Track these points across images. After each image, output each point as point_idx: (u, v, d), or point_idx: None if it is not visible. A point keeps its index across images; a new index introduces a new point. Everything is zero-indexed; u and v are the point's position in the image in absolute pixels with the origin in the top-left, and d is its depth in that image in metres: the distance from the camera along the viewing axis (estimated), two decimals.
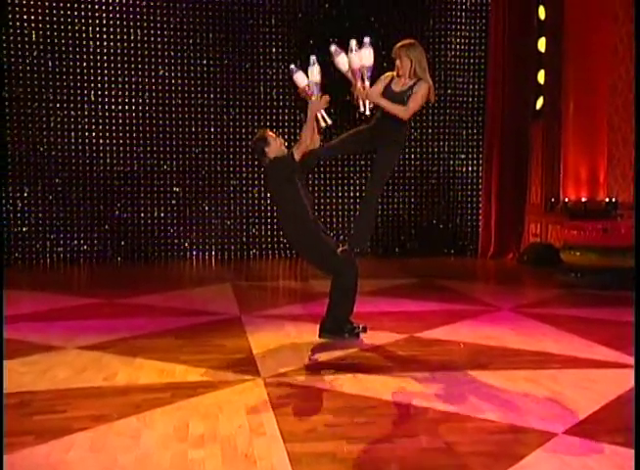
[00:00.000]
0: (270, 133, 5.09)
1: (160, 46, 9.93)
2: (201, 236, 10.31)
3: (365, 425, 3.31)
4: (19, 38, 9.48)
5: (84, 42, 9.68)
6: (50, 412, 3.48)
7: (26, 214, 9.75)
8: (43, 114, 9.65)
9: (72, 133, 9.77)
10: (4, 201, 9.56)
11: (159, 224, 10.16)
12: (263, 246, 10.46)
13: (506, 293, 7.56)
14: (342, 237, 9.95)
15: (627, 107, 9.16)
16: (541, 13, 9.97)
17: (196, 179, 10.17)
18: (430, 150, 10.77)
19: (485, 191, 10.61)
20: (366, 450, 3.00)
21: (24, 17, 9.45)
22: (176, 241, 10.26)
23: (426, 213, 10.87)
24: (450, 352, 4.76)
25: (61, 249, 9.89)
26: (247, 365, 4.37)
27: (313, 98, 4.75)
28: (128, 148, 9.97)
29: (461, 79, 10.69)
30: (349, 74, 4.68)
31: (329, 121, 4.81)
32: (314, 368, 4.34)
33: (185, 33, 9.97)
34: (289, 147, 5.03)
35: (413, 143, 10.55)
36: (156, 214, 10.13)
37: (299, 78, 4.83)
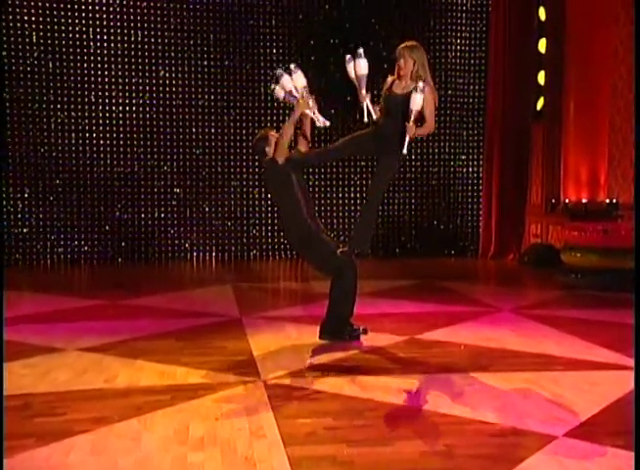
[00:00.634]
0: (272, 133, 5.09)
1: (160, 47, 9.93)
2: (201, 237, 10.30)
3: (365, 428, 3.31)
4: (19, 39, 9.48)
5: (85, 43, 9.68)
6: (50, 415, 3.48)
7: (27, 215, 9.75)
8: (44, 115, 9.65)
9: (73, 134, 9.77)
10: (5, 202, 9.56)
11: (159, 225, 10.16)
12: (264, 247, 10.46)
13: (506, 294, 7.56)
14: (342, 238, 9.96)
15: (628, 107, 9.16)
16: (542, 14, 9.97)
17: (196, 180, 10.17)
18: (430, 151, 10.77)
19: (486, 192, 10.61)
20: (366, 453, 3.00)
21: (25, 18, 9.46)
22: (177, 242, 10.26)
23: (426, 214, 10.87)
24: (451, 354, 4.76)
25: (61, 249, 9.89)
26: (247, 367, 4.38)
27: (300, 100, 4.74)
28: (129, 149, 9.97)
29: (461, 80, 10.69)
30: (356, 81, 4.76)
31: (326, 123, 4.81)
32: (314, 370, 4.34)
33: (185, 34, 9.97)
34: (291, 147, 5.04)
35: (413, 144, 10.54)
36: (156, 215, 10.14)
37: (285, 82, 4.80)
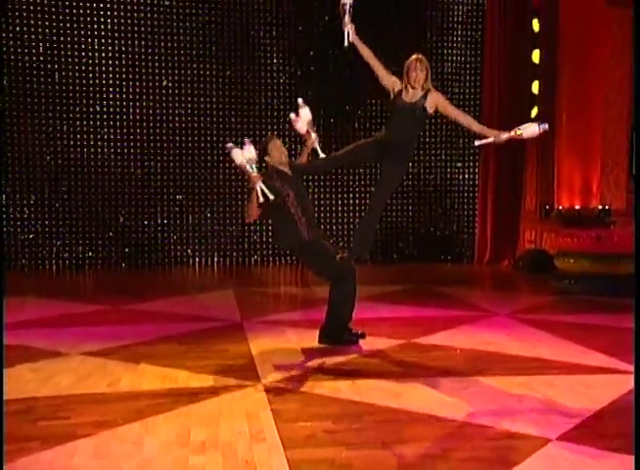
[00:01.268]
0: (274, 143, 5.06)
1: (163, 57, 9.95)
2: (203, 243, 10.30)
3: (363, 431, 3.30)
4: (26, 51, 9.50)
5: (90, 54, 9.71)
6: (54, 418, 3.46)
7: (33, 221, 9.75)
8: (50, 123, 9.67)
9: (78, 142, 9.79)
10: (11, 208, 9.57)
11: (162, 231, 10.16)
12: (264, 252, 10.45)
13: (502, 299, 7.55)
14: (342, 244, 9.95)
15: (621, 117, 9.19)
16: (535, 25, 9.99)
17: (198, 187, 10.17)
18: (427, 158, 10.77)
19: (481, 199, 10.62)
20: (364, 456, 2.98)
21: (32, 30, 9.48)
22: (179, 248, 10.25)
23: (423, 221, 10.87)
24: (448, 358, 4.74)
25: (66, 255, 9.89)
26: (248, 371, 4.36)
27: (252, 175, 4.70)
28: (132, 156, 9.98)
29: (458, 89, 10.70)
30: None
31: (270, 196, 4.72)
32: (314, 374, 4.33)
33: (188, 45, 9.99)
34: (291, 157, 5.06)
35: (412, 154, 10.53)
36: (159, 222, 10.13)
37: (236, 156, 4.75)
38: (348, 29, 4.71)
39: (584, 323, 5.99)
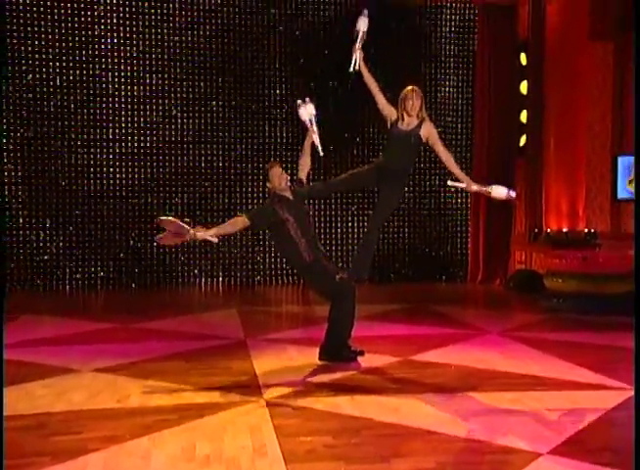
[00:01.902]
0: (275, 170, 5.07)
1: (173, 88, 10.03)
2: (209, 264, 10.29)
3: (362, 445, 3.27)
4: (44, 82, 9.59)
5: (104, 86, 9.79)
6: (66, 433, 3.44)
7: (48, 244, 9.76)
8: (65, 151, 9.73)
9: (91, 169, 9.83)
10: (28, 232, 9.62)
11: (170, 253, 10.15)
12: (267, 273, 10.44)
13: (494, 317, 7.51)
14: (342, 264, 9.95)
15: (604, 146, 9.24)
16: (523, 59, 10.10)
17: (205, 211, 10.18)
18: (422, 183, 10.80)
19: (474, 221, 10.63)
20: None
21: (50, 57, 9.56)
22: (186, 268, 10.24)
23: (419, 242, 10.86)
24: (442, 375, 4.72)
25: (79, 276, 9.88)
26: (251, 387, 4.34)
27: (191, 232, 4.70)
28: (142, 182, 10.01)
29: (450, 119, 10.77)
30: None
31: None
32: (314, 390, 4.30)
33: (197, 76, 10.08)
34: (292, 181, 5.09)
35: (408, 178, 10.57)
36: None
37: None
38: (357, 56, 4.75)
39: (572, 341, 5.96)
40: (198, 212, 10.17)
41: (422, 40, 10.61)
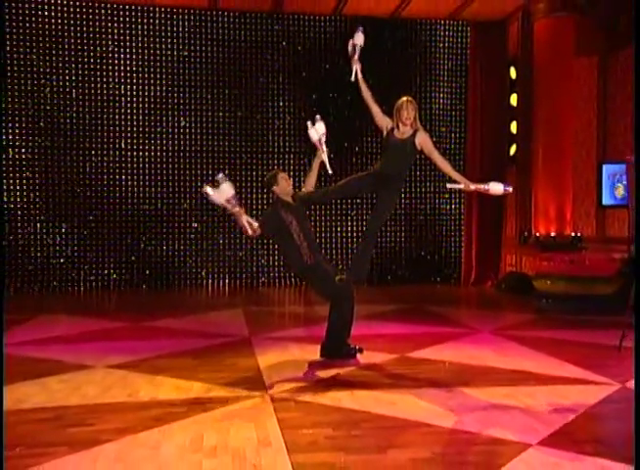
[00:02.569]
0: (282, 175, 5.11)
1: (182, 101, 10.06)
2: (216, 266, 10.30)
3: (361, 437, 3.27)
4: (61, 95, 9.63)
5: (117, 98, 9.84)
6: (81, 425, 3.45)
7: (64, 247, 9.78)
8: (80, 160, 9.77)
9: (105, 176, 9.86)
10: (44, 236, 9.64)
11: (179, 255, 10.17)
12: (271, 275, 10.44)
13: (486, 317, 7.50)
14: (341, 267, 9.95)
15: (589, 154, 9.25)
16: (512, 73, 10.13)
17: (212, 216, 10.20)
18: (417, 190, 10.82)
19: (466, 226, 10.64)
20: (362, 461, 2.96)
21: (66, 72, 9.61)
22: (194, 270, 10.25)
23: (414, 246, 10.87)
24: (437, 371, 4.71)
25: (93, 278, 9.89)
26: (255, 382, 4.34)
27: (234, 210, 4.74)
28: (153, 189, 10.04)
29: (444, 129, 10.79)
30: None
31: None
32: (316, 385, 4.30)
33: (204, 89, 10.11)
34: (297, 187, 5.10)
35: (403, 184, 10.59)
36: (176, 247, 10.15)
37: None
38: (356, 67, 4.80)
39: (561, 339, 5.95)
40: (205, 218, 10.20)
41: (417, 55, 10.65)
